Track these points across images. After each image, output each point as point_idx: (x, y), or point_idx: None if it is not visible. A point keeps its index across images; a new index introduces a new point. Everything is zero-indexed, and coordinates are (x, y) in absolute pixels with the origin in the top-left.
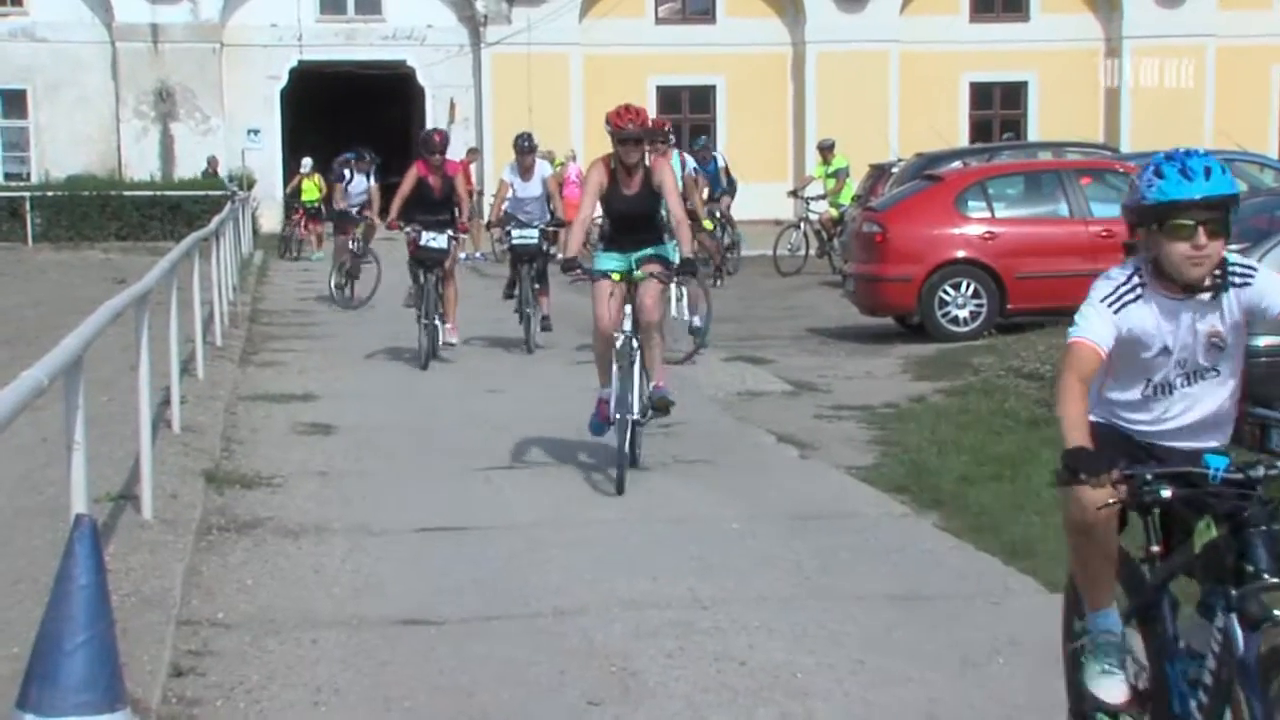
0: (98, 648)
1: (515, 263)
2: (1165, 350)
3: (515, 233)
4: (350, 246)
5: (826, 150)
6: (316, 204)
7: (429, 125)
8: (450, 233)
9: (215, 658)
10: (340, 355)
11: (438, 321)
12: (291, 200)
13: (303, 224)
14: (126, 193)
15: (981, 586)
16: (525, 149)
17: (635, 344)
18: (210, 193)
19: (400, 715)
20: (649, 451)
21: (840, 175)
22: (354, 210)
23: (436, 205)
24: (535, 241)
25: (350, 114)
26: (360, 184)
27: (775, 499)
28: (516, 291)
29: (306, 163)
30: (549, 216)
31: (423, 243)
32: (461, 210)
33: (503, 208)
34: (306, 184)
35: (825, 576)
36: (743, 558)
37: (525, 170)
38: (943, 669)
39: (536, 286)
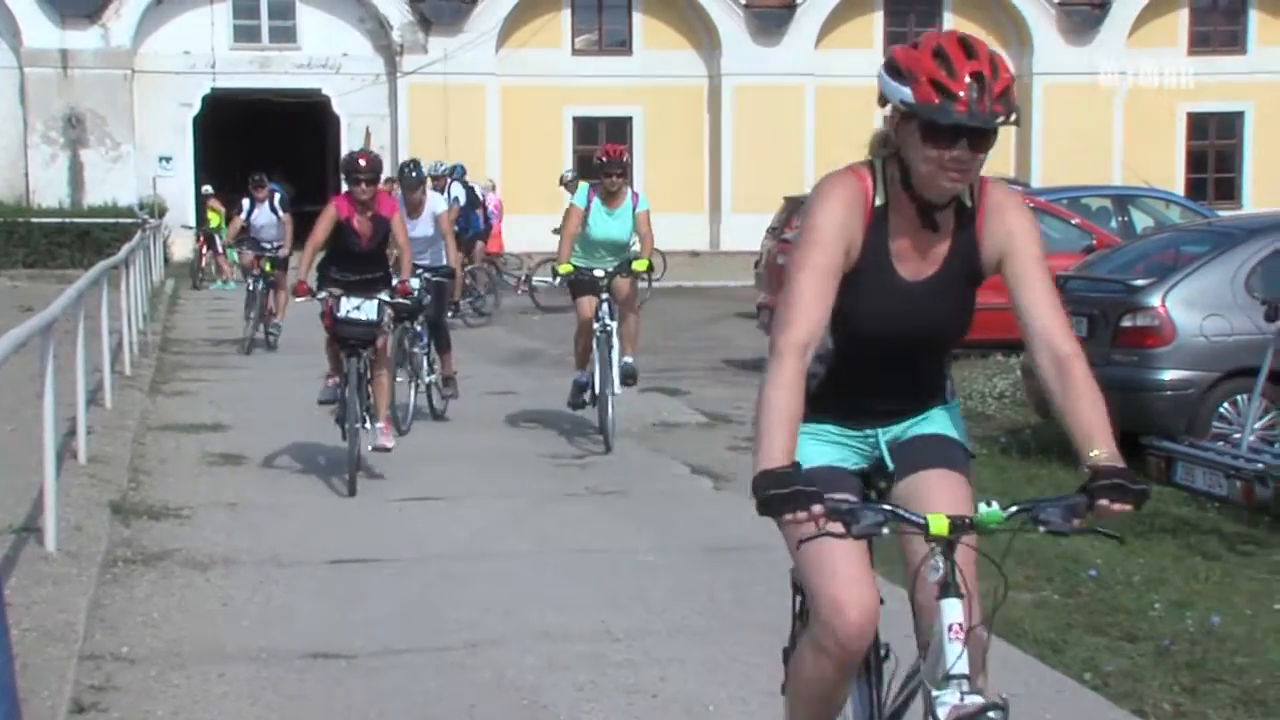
0: None
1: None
2: None
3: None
4: (250, 285)
5: (569, 184)
6: (215, 231)
7: (344, 153)
8: (383, 297)
9: (119, 693)
10: (252, 384)
11: (364, 423)
12: (200, 228)
13: (202, 251)
14: (34, 220)
15: (892, 619)
16: (412, 181)
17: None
18: (120, 220)
19: None
20: (561, 483)
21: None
22: (268, 247)
23: (364, 259)
24: (415, 296)
25: (265, 142)
26: (263, 216)
27: (689, 530)
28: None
29: (206, 190)
30: (443, 260)
31: (341, 313)
32: (402, 265)
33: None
34: (210, 211)
35: (738, 608)
36: (656, 589)
37: (412, 207)
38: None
39: (426, 344)
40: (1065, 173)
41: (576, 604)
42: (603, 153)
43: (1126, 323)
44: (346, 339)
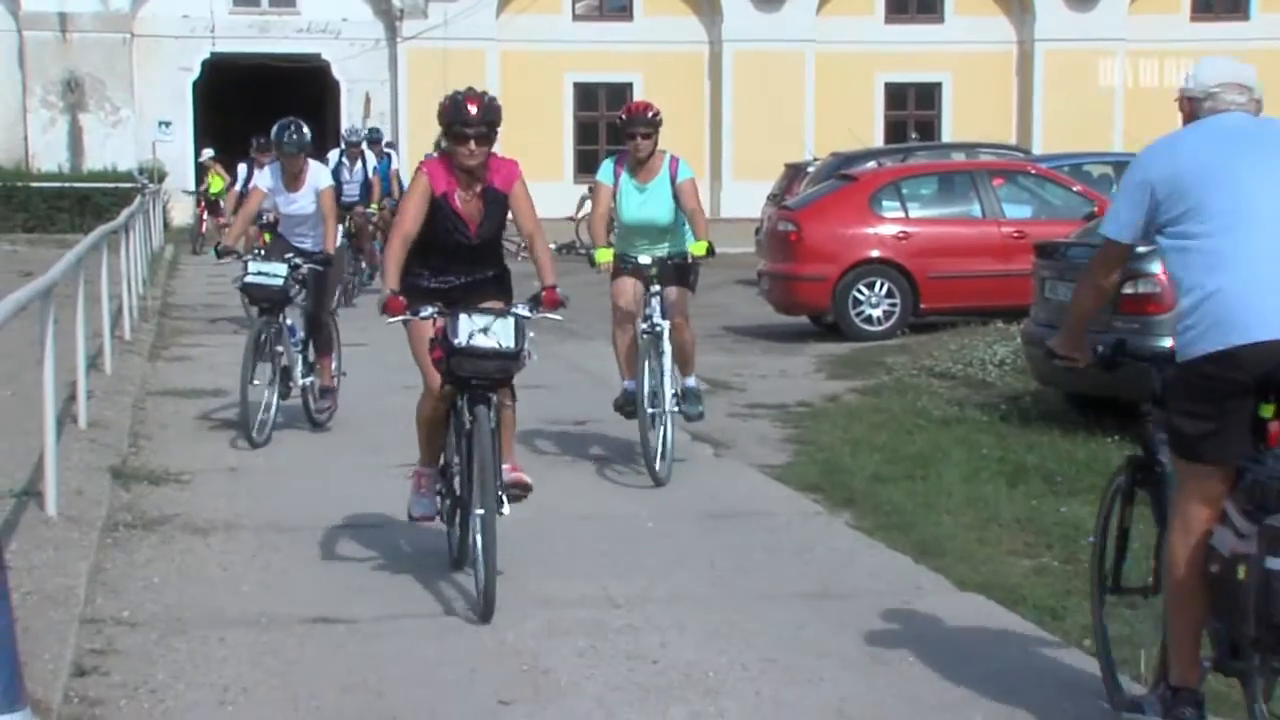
0: None
1: (259, 309)
2: None
3: (252, 267)
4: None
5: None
6: (217, 197)
7: (344, 120)
8: (521, 312)
9: (119, 657)
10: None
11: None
12: (201, 193)
13: (202, 217)
14: (34, 184)
15: (892, 585)
16: (292, 146)
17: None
18: (120, 185)
19: (309, 715)
20: (560, 448)
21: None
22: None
23: (472, 254)
24: (281, 281)
25: (264, 108)
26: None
27: (689, 497)
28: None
29: (206, 153)
30: (323, 245)
31: (461, 340)
32: (542, 267)
33: (246, 228)
34: (213, 176)
35: (738, 575)
36: (656, 556)
37: (290, 178)
38: (854, 667)
39: (298, 341)
40: (1067, 140)
41: (577, 570)
42: (625, 110)
43: (1127, 290)
44: (470, 379)
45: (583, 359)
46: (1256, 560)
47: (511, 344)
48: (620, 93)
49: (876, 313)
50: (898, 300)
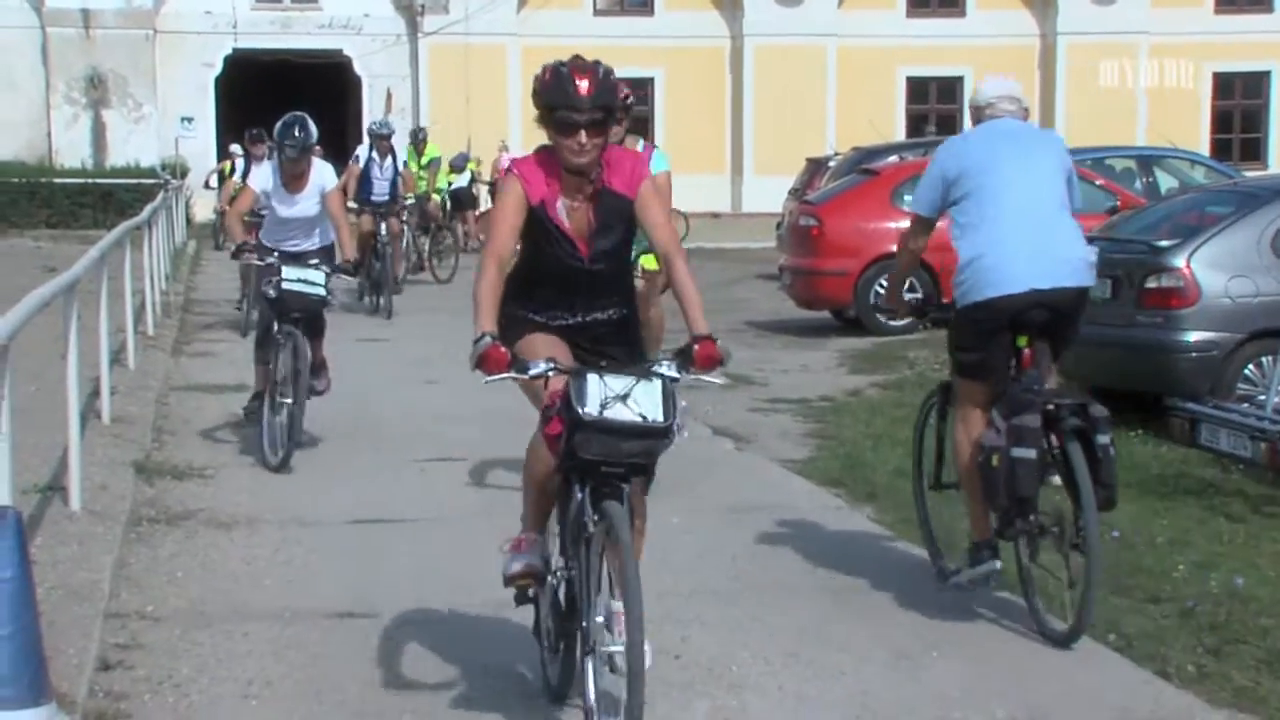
0: (22, 642)
1: (277, 318)
2: None
3: (288, 272)
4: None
5: (421, 141)
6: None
7: (366, 116)
8: (666, 371)
9: (144, 651)
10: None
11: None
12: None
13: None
14: (57, 180)
15: (914, 580)
16: (296, 145)
17: None
18: (143, 181)
19: (332, 708)
20: None
21: (432, 166)
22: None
23: (589, 283)
24: (318, 291)
25: (286, 103)
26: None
27: (711, 492)
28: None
29: (234, 149)
30: (327, 251)
31: (589, 410)
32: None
33: (240, 228)
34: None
35: (760, 569)
36: (678, 551)
37: (293, 179)
38: (876, 662)
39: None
40: (1089, 134)
41: None
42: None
43: (1151, 284)
44: (600, 464)
45: None
46: (1005, 451)
47: (659, 416)
48: (641, 88)
49: None
50: (920, 295)
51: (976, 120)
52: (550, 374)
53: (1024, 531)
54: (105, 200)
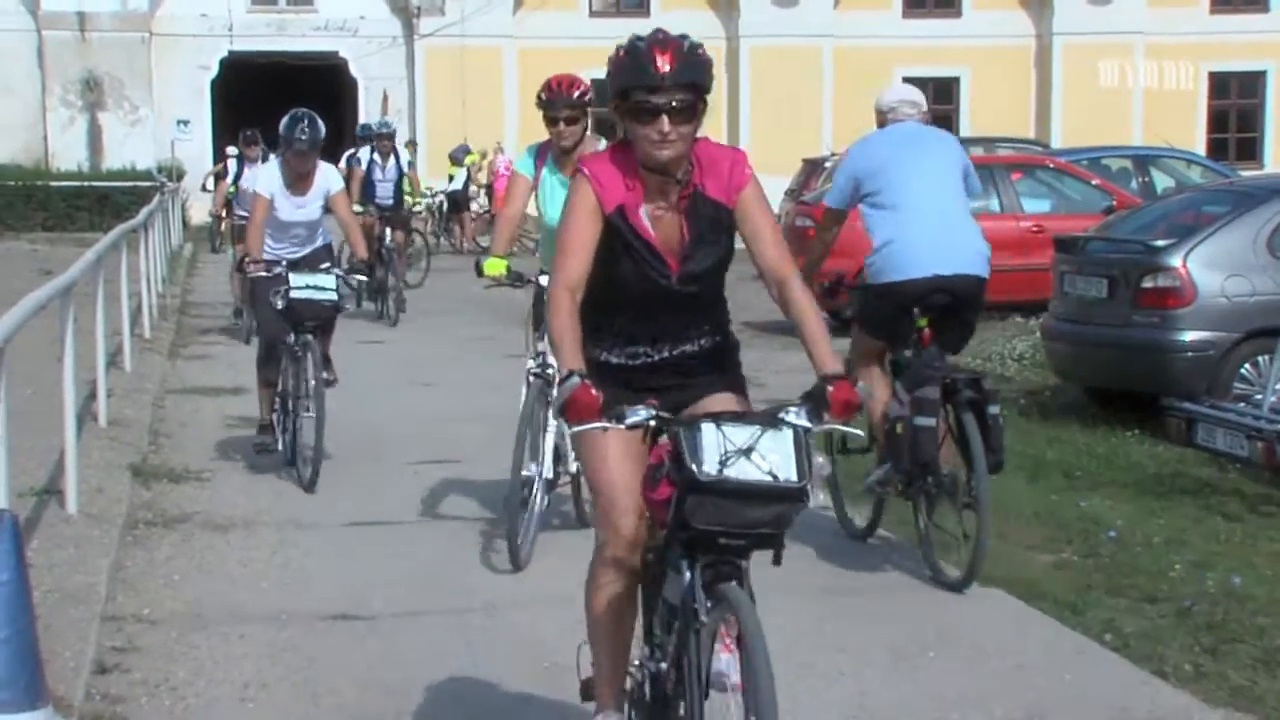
0: (18, 645)
1: (291, 328)
2: None
3: (296, 279)
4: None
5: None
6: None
7: (362, 118)
8: (798, 420)
9: (140, 654)
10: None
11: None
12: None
13: (222, 215)
14: (53, 183)
15: (912, 581)
16: (303, 143)
17: None
18: (139, 184)
19: (329, 711)
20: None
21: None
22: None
23: (677, 305)
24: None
25: (282, 106)
26: (253, 180)
27: None
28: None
29: (232, 151)
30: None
31: (708, 470)
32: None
33: (262, 238)
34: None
35: (755, 570)
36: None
37: (297, 179)
38: (873, 663)
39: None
40: (1085, 134)
41: None
42: (545, 88)
43: (1147, 284)
44: (719, 536)
45: None
46: (909, 419)
47: (792, 475)
48: None
49: None
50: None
51: (880, 124)
52: (652, 423)
53: (924, 491)
54: (101, 203)
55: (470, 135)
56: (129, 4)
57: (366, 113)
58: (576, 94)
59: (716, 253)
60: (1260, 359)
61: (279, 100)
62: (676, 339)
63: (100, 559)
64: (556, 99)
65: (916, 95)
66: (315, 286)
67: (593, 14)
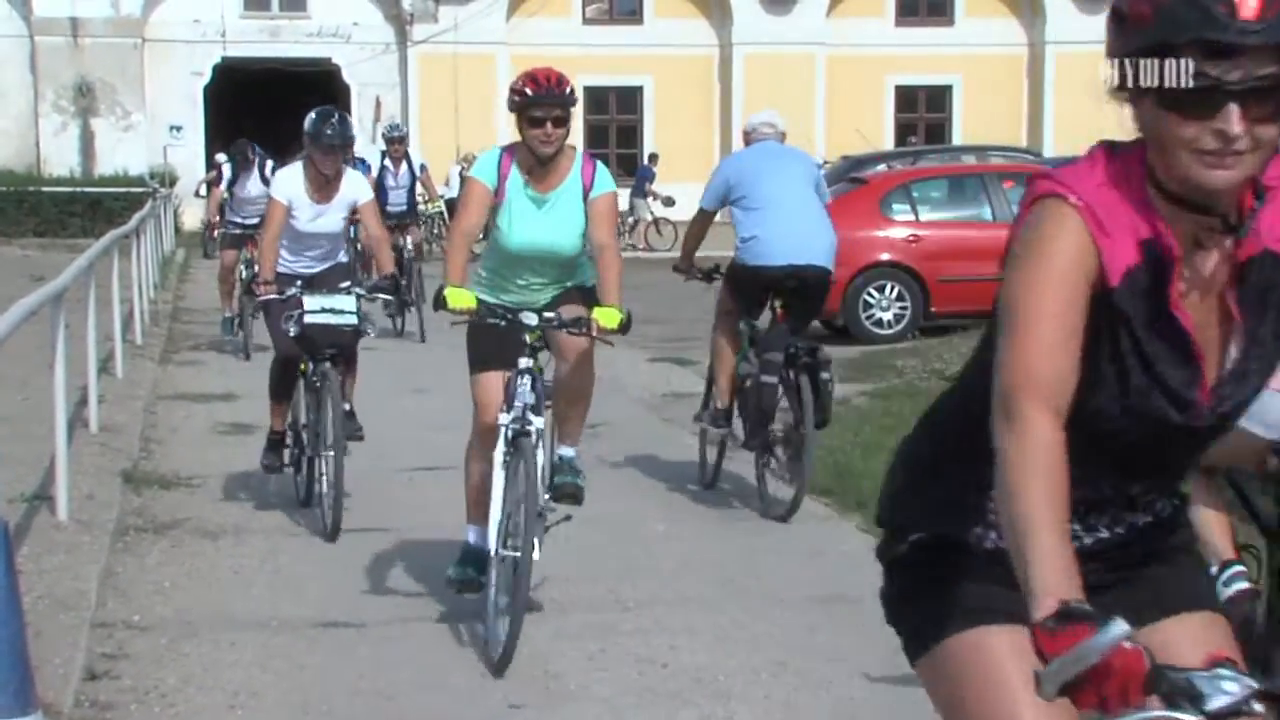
0: (7, 651)
1: (306, 353)
2: None
3: (311, 302)
4: (240, 275)
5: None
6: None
7: (355, 124)
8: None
9: (130, 661)
10: (262, 354)
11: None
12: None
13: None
14: (45, 189)
15: None
16: (333, 138)
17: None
18: (131, 189)
19: (318, 719)
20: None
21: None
22: (254, 223)
23: None
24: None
25: (275, 112)
26: (251, 185)
27: (699, 500)
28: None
29: (222, 158)
30: (358, 274)
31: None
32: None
33: (276, 254)
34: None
35: (748, 578)
36: (666, 559)
37: (320, 185)
38: (864, 672)
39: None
40: (1077, 142)
41: (586, 574)
42: (528, 81)
43: None
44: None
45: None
46: (757, 376)
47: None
48: (631, 96)
49: (887, 316)
50: (908, 303)
51: (747, 142)
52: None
53: (762, 439)
54: (93, 209)
55: (463, 142)
56: (122, 10)
57: (360, 119)
58: (568, 90)
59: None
60: None
61: (272, 106)
62: (1146, 505)
63: (90, 565)
64: (544, 94)
65: (776, 119)
66: (333, 309)
67: (585, 21)
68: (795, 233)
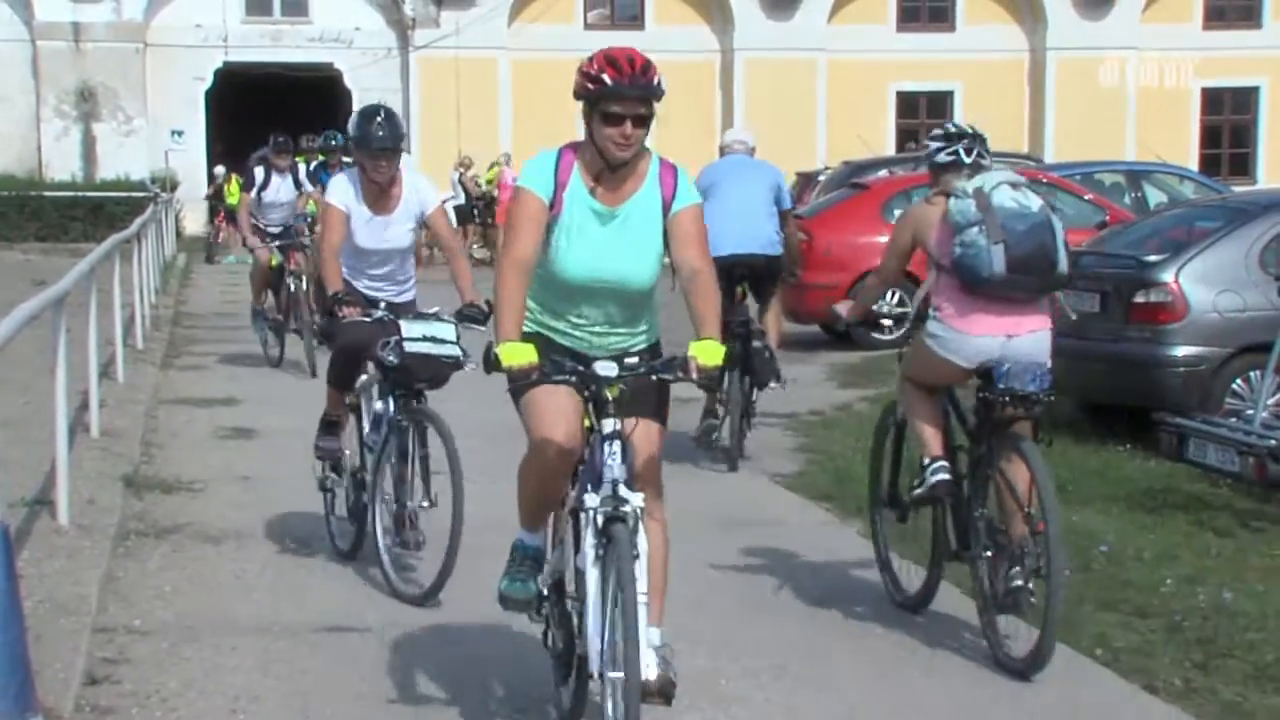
0: (8, 655)
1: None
2: None
3: (411, 329)
4: (289, 287)
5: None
6: (234, 207)
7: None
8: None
9: (131, 665)
10: (264, 358)
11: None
12: (215, 203)
13: (220, 226)
14: (47, 193)
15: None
16: (383, 140)
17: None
18: (133, 194)
19: None
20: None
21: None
22: (274, 229)
23: None
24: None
25: (276, 117)
26: (284, 191)
27: (700, 506)
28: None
29: (220, 170)
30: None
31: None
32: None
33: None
34: (229, 187)
35: (749, 583)
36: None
37: (376, 195)
38: (864, 676)
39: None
40: (1078, 148)
41: None
42: (605, 65)
43: (1139, 299)
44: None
45: None
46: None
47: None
48: None
49: (888, 321)
50: (910, 308)
51: (722, 154)
52: None
53: (712, 402)
54: (95, 213)
55: (464, 146)
56: (124, 14)
57: None
58: (655, 79)
59: None
60: (1252, 374)
61: (273, 111)
62: None
63: (91, 570)
64: (628, 85)
65: (747, 136)
66: (433, 338)
67: (587, 27)
68: (738, 229)
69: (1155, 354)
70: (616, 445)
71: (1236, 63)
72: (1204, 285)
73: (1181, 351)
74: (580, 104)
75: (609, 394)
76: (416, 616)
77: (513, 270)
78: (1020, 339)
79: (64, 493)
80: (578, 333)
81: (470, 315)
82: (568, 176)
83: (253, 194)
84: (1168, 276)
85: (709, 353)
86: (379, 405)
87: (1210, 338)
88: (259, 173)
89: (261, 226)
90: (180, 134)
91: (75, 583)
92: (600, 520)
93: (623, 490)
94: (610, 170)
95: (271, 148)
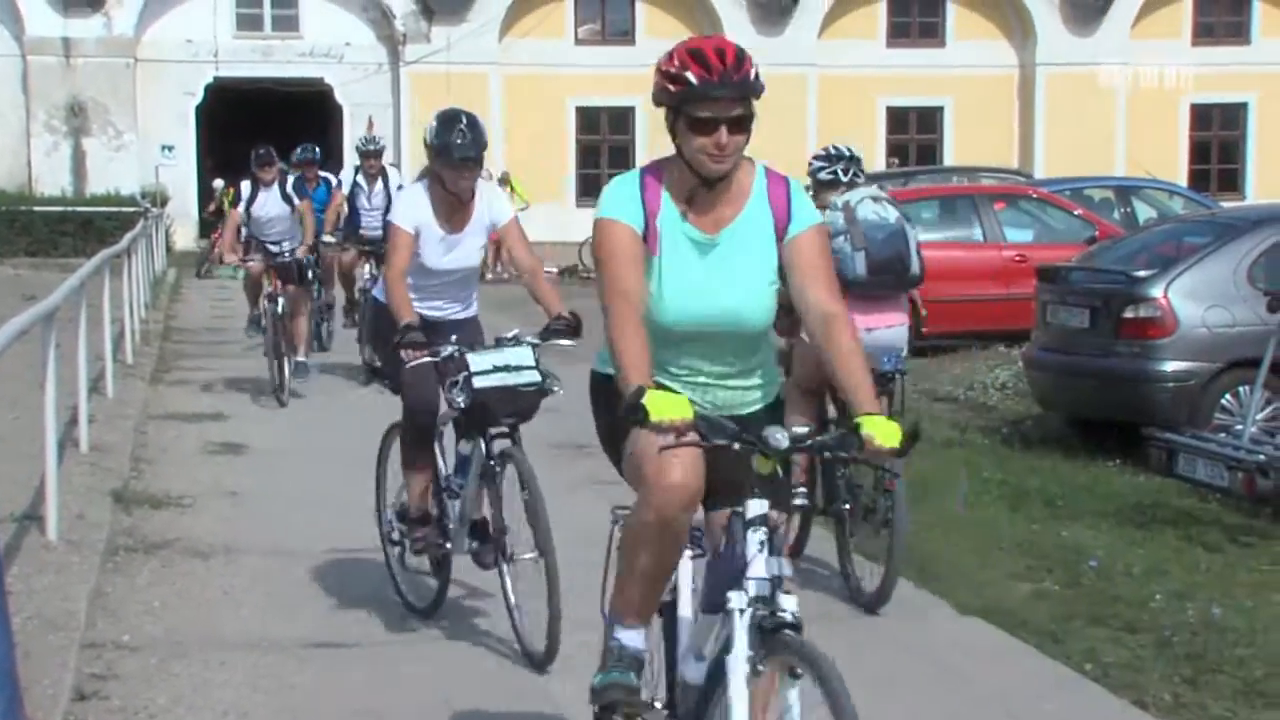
0: None
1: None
2: None
3: (478, 360)
4: (263, 304)
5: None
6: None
7: (348, 144)
8: None
9: (119, 681)
10: (253, 374)
11: None
12: (215, 220)
13: (215, 240)
14: (37, 208)
15: (894, 608)
16: (466, 148)
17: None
18: (123, 209)
19: None
20: (561, 473)
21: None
22: (274, 247)
23: None
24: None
25: (267, 132)
26: (270, 205)
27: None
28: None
29: (218, 184)
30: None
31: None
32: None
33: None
34: (228, 200)
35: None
36: None
37: (453, 208)
38: (855, 690)
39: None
40: (1068, 164)
41: (579, 594)
42: (689, 61)
43: (1128, 314)
44: None
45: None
46: None
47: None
48: (622, 117)
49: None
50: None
51: None
52: None
53: None
54: (85, 228)
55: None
56: (114, 29)
57: (353, 139)
58: (752, 73)
59: None
60: (1241, 389)
61: (264, 126)
62: None
63: (80, 585)
64: (719, 82)
65: None
66: (507, 367)
67: (578, 42)
68: None
69: (1144, 369)
70: (762, 533)
71: (1226, 78)
72: (1193, 301)
73: (1171, 367)
74: (662, 112)
75: (760, 468)
76: (405, 633)
77: (625, 305)
78: (879, 332)
79: (53, 508)
80: (675, 384)
81: (558, 330)
82: (657, 203)
83: (240, 209)
84: (1157, 292)
85: (887, 433)
86: (463, 447)
87: (1199, 353)
88: (245, 187)
89: (259, 240)
90: (171, 149)
91: (64, 598)
92: (752, 627)
93: (780, 596)
94: (706, 187)
95: (254, 161)
